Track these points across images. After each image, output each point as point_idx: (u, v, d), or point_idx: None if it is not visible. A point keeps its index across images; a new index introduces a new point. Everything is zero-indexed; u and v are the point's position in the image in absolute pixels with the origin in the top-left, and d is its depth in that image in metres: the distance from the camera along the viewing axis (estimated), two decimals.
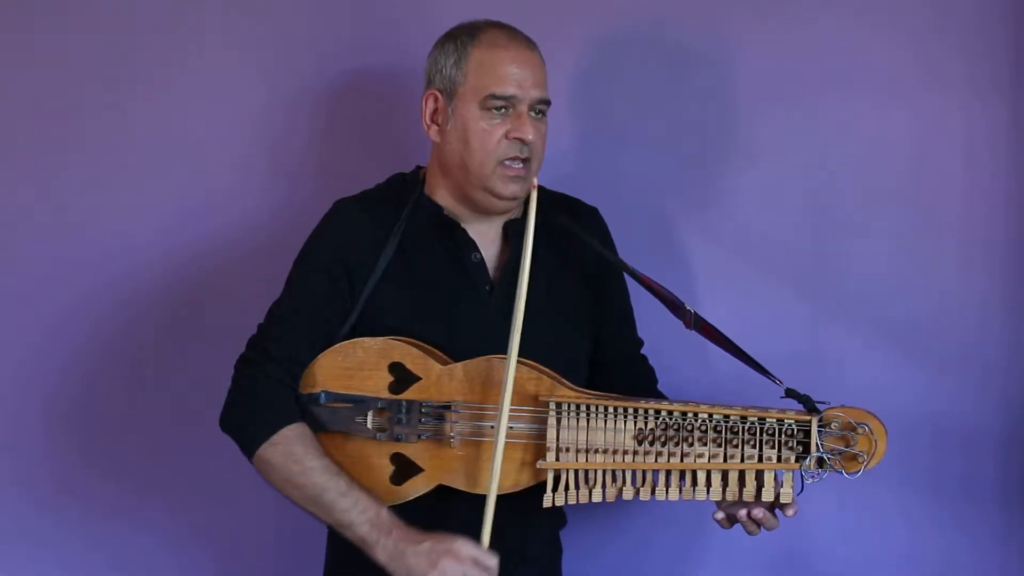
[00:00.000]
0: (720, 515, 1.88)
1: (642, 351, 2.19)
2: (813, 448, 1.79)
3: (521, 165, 1.96)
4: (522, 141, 1.94)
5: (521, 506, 1.90)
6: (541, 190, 2.12)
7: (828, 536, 2.34)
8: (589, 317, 2.10)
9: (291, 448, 1.89)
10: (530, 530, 2.03)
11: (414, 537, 1.85)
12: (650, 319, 2.16)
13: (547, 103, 1.99)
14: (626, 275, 2.06)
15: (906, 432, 2.25)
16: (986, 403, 2.31)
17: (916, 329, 2.33)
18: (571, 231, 2.05)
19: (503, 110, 1.96)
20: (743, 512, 1.85)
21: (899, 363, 2.33)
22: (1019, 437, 2.29)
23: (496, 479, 1.84)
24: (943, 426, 2.31)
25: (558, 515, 2.12)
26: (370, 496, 1.89)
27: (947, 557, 2.32)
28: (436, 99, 2.02)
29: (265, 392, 1.93)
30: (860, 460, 1.79)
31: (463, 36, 2.01)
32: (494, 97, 1.95)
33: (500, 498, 1.88)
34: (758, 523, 1.85)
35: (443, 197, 2.03)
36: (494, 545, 1.93)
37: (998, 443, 2.30)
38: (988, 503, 2.31)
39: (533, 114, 1.97)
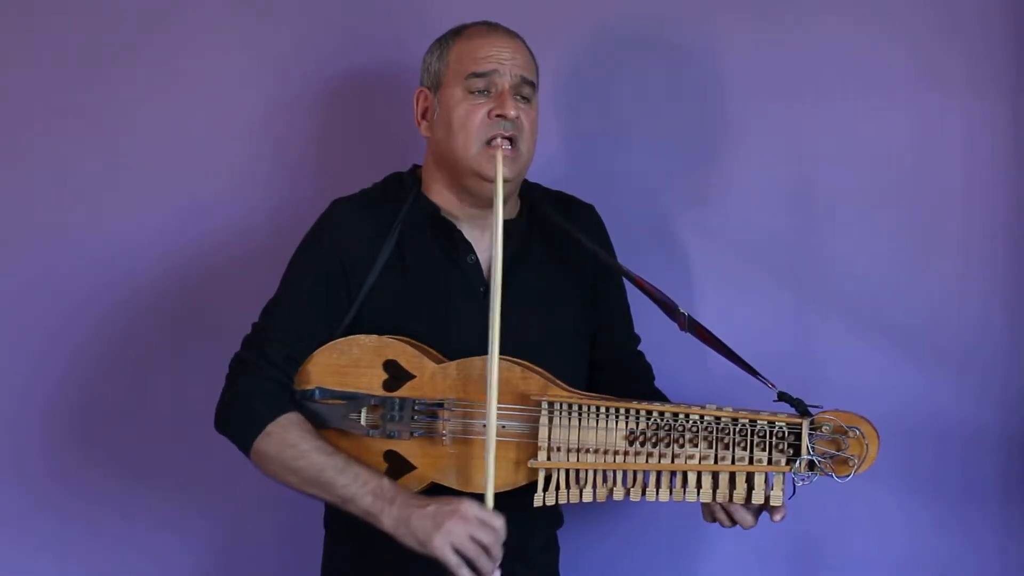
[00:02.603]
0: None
1: (638, 348, 2.19)
2: (804, 451, 1.79)
3: (509, 145, 1.96)
4: (504, 117, 1.94)
5: (519, 506, 1.89)
6: (537, 187, 2.13)
7: (826, 535, 2.34)
8: (586, 316, 2.10)
9: (285, 435, 1.90)
10: (528, 530, 2.03)
11: (418, 502, 1.86)
12: (646, 321, 2.16)
13: (531, 85, 2.00)
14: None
15: (906, 432, 2.26)
16: (986, 403, 2.31)
17: (916, 329, 2.33)
18: (567, 230, 2.05)
19: (485, 92, 1.97)
20: (724, 515, 1.85)
21: (899, 364, 2.32)
22: (1020, 437, 2.29)
23: (492, 449, 1.84)
24: (943, 426, 2.31)
25: (555, 515, 2.12)
26: (369, 469, 1.89)
27: (947, 557, 2.32)
28: (425, 96, 2.04)
29: (259, 390, 1.93)
30: (851, 464, 1.79)
31: (449, 34, 2.05)
32: (475, 76, 1.96)
33: (497, 498, 1.87)
34: (731, 516, 1.85)
35: (439, 195, 2.04)
36: None
37: (999, 443, 2.30)
38: (989, 503, 2.31)
39: (519, 98, 1.97)
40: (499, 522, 1.83)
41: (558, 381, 1.92)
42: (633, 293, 2.09)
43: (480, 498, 1.84)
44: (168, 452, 2.48)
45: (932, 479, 2.32)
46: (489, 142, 1.95)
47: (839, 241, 2.34)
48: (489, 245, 2.03)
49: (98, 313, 2.47)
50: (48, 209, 2.49)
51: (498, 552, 1.83)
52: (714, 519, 1.89)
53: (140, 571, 2.48)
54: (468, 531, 1.81)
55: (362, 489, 1.87)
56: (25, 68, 2.49)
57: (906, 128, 2.32)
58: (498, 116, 1.95)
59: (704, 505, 1.88)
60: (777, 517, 1.84)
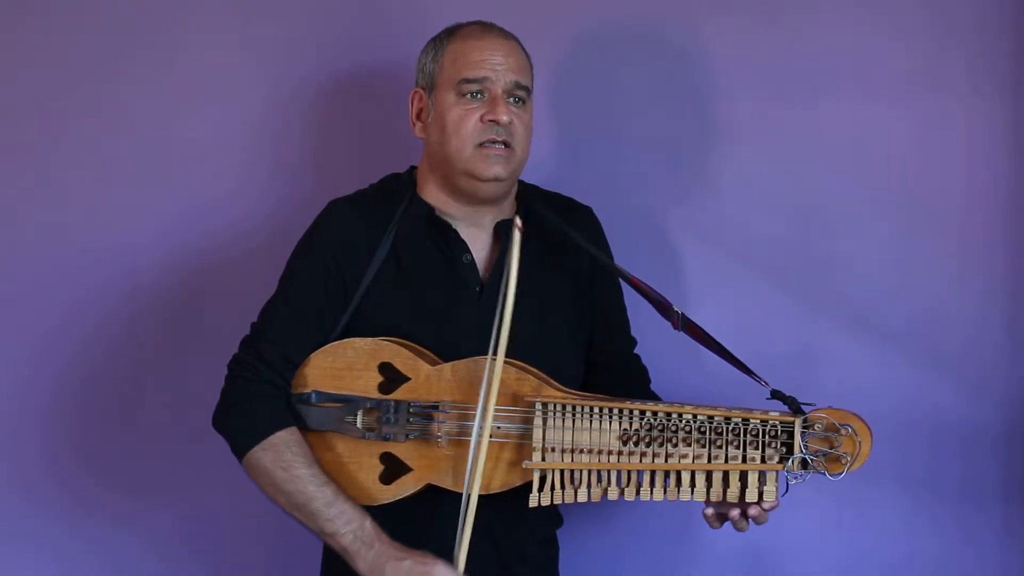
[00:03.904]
0: (710, 511, 1.88)
1: (635, 350, 2.19)
2: (796, 449, 1.79)
3: (502, 147, 1.96)
4: (496, 123, 1.95)
5: (518, 506, 1.90)
6: (534, 189, 2.14)
7: (823, 535, 2.34)
8: (581, 317, 2.10)
9: (280, 454, 1.92)
10: (527, 530, 2.05)
11: (395, 553, 1.88)
12: (640, 320, 2.16)
13: (525, 89, 2.00)
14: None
15: (904, 432, 2.27)
16: (984, 402, 2.30)
17: (915, 329, 2.32)
18: (563, 231, 2.05)
19: (478, 95, 1.97)
20: (735, 512, 1.85)
21: (897, 363, 2.32)
22: (1018, 437, 2.29)
23: (473, 506, 1.85)
24: (941, 426, 2.31)
25: (554, 515, 2.13)
26: (355, 507, 1.91)
27: (945, 557, 2.32)
28: (420, 97, 2.04)
29: (257, 395, 1.95)
30: (843, 461, 1.79)
31: (443, 34, 2.05)
32: (467, 81, 1.96)
33: (496, 498, 1.90)
34: (752, 520, 1.84)
35: (434, 196, 2.04)
36: (492, 545, 1.96)
37: (996, 443, 2.30)
38: (987, 503, 2.30)
39: (512, 101, 1.97)
40: None
41: (552, 381, 1.92)
42: (628, 292, 2.10)
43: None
44: (168, 452, 2.48)
45: (929, 479, 2.31)
46: (481, 145, 1.96)
47: (837, 241, 2.34)
48: (484, 245, 2.04)
49: (98, 314, 2.48)
50: (48, 209, 2.50)
51: None
52: (722, 523, 1.88)
53: (140, 571, 2.49)
54: None
55: (345, 527, 1.89)
56: (24, 68, 2.50)
57: (904, 128, 2.32)
58: (491, 121, 1.95)
59: (716, 515, 1.88)
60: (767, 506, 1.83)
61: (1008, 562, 2.30)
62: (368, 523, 1.90)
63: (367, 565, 1.88)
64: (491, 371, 1.85)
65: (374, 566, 1.87)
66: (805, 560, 2.35)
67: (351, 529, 1.89)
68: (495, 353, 1.84)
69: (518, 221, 1.89)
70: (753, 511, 1.83)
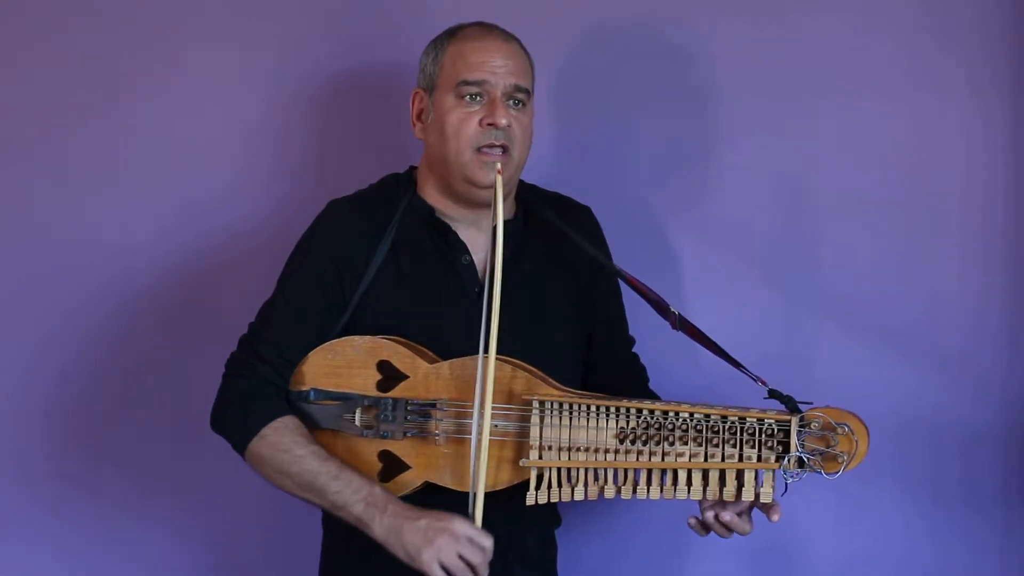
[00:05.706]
0: (692, 520, 1.88)
1: (633, 350, 2.20)
2: (793, 448, 1.79)
3: (500, 152, 1.96)
4: (494, 126, 1.95)
5: (516, 505, 1.90)
6: (534, 188, 2.14)
7: (823, 535, 2.34)
8: (580, 316, 2.10)
9: (280, 439, 1.92)
10: (526, 529, 2.05)
11: (411, 513, 1.87)
12: (638, 319, 2.16)
13: (525, 91, 1.99)
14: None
15: (904, 433, 2.27)
16: (985, 403, 2.30)
17: (915, 330, 2.32)
18: (562, 230, 2.05)
19: (477, 98, 1.97)
20: (710, 514, 1.85)
21: (897, 364, 2.32)
22: (1018, 437, 2.28)
23: (484, 458, 1.84)
24: (941, 426, 2.31)
25: (552, 515, 2.13)
26: (362, 476, 1.91)
27: (945, 557, 2.32)
28: (421, 98, 2.04)
29: (254, 391, 1.95)
30: (840, 461, 1.79)
31: (444, 35, 2.04)
32: (466, 83, 1.96)
33: (494, 497, 1.89)
34: (727, 527, 1.85)
35: (433, 196, 2.04)
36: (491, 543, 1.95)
37: (996, 444, 2.30)
38: (986, 504, 2.31)
39: (511, 103, 1.97)
40: (488, 541, 1.84)
41: (550, 379, 1.92)
42: (626, 292, 2.10)
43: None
44: (168, 452, 2.49)
45: (929, 479, 2.32)
46: (480, 149, 1.96)
47: (836, 241, 2.34)
48: (484, 246, 2.04)
49: (98, 313, 2.49)
50: (48, 209, 2.51)
51: (485, 571, 1.85)
52: (708, 531, 1.88)
53: (139, 570, 2.50)
54: (457, 549, 1.83)
55: (354, 496, 1.88)
56: (24, 68, 2.51)
57: (904, 128, 2.32)
58: (489, 125, 1.95)
59: (700, 523, 1.88)
60: (775, 517, 1.83)
61: (1008, 562, 2.30)
62: (378, 488, 1.89)
63: (383, 529, 1.86)
64: (485, 353, 1.85)
65: (390, 529, 1.86)
66: (805, 560, 2.35)
67: (361, 497, 1.88)
68: (487, 340, 1.85)
69: (498, 166, 1.90)
70: (724, 516, 1.83)
